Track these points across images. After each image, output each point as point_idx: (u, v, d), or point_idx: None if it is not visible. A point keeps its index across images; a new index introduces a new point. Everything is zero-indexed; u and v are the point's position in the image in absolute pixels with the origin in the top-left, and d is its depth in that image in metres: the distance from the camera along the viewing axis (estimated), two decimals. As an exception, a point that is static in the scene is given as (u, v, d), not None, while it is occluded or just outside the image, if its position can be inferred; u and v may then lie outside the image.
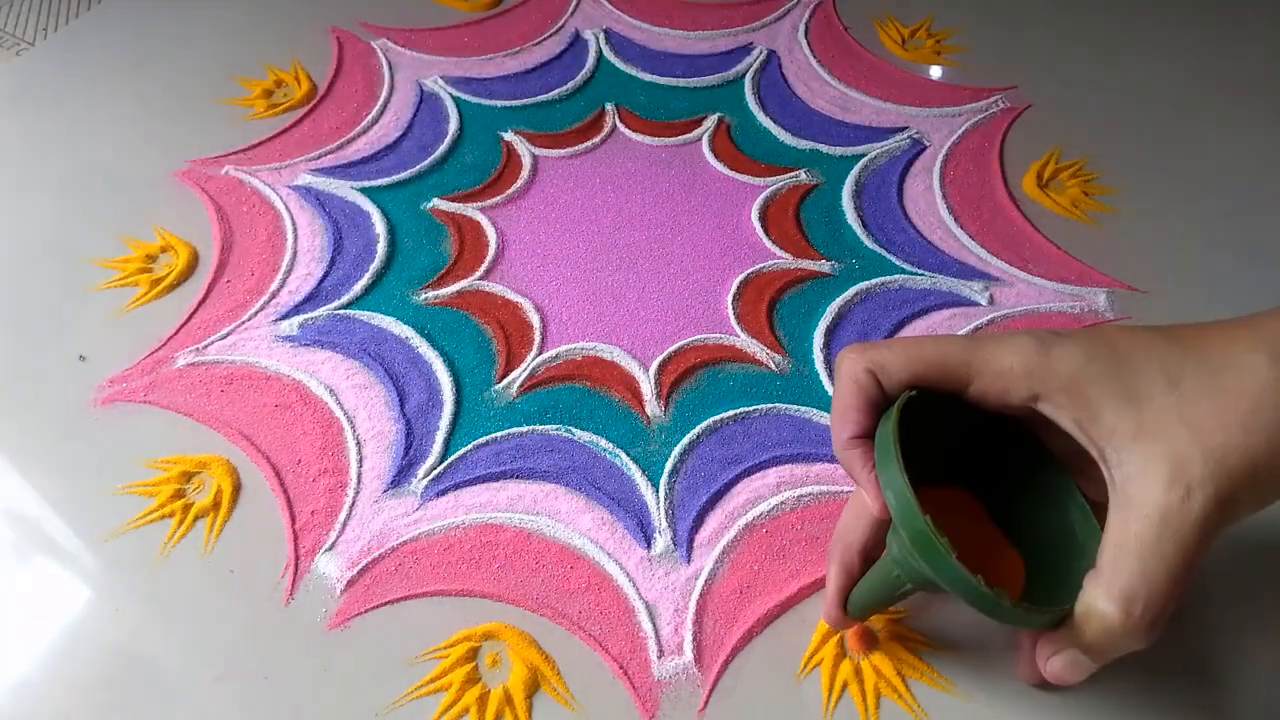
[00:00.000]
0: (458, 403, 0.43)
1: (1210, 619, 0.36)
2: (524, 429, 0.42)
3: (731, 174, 0.53)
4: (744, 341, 0.45)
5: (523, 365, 0.44)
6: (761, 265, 0.48)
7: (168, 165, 0.52)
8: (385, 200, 0.51)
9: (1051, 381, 0.27)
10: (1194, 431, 0.25)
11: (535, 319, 0.46)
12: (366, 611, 0.36)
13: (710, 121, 0.55)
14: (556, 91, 0.57)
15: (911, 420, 0.28)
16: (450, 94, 0.57)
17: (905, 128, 0.55)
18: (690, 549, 0.38)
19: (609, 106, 0.56)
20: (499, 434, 0.42)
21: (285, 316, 0.46)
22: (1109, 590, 0.26)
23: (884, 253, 0.49)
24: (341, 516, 0.39)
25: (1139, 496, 0.26)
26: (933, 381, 0.29)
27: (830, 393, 0.43)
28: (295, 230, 0.49)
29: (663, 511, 0.39)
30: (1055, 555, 0.30)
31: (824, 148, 0.54)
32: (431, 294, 0.47)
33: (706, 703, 0.34)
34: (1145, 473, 0.26)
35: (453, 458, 0.41)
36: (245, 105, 0.56)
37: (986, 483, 0.32)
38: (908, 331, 0.45)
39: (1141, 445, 0.26)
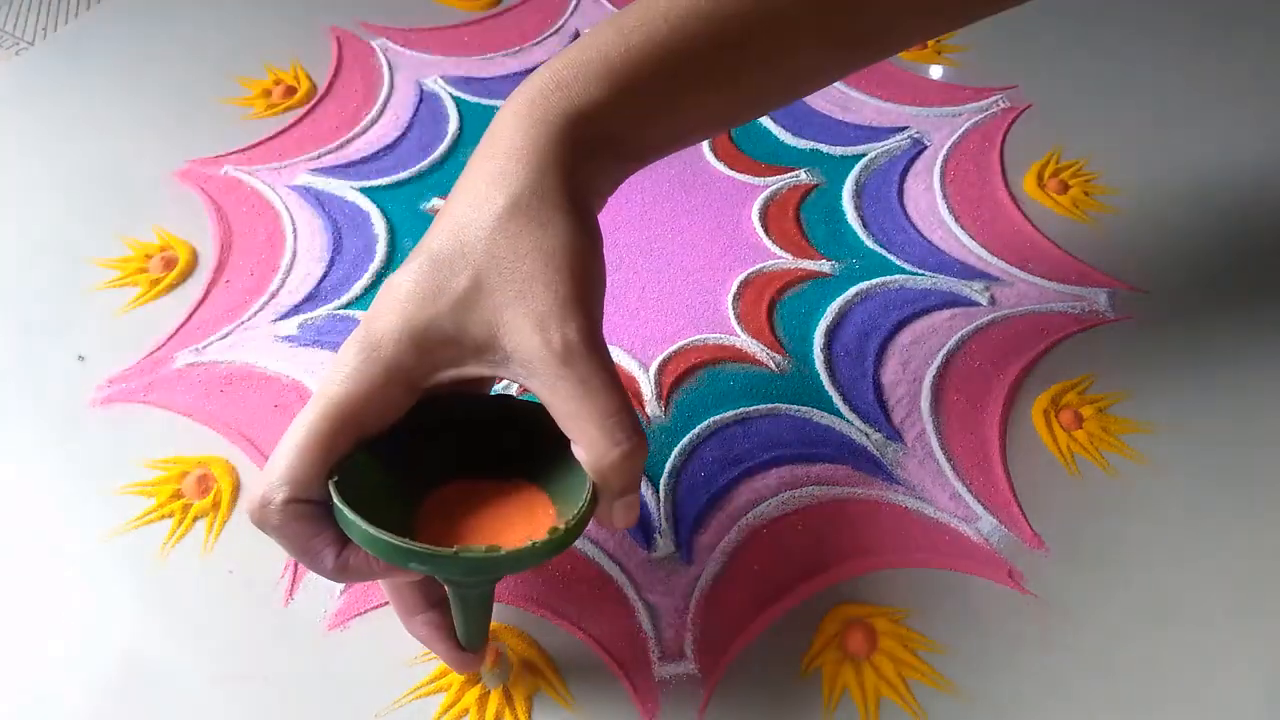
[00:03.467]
0: (458, 403, 0.43)
1: (1211, 619, 0.36)
2: (524, 429, 0.42)
3: (731, 174, 0.53)
4: (744, 341, 0.45)
5: (523, 365, 0.44)
6: (761, 265, 0.48)
7: (168, 165, 0.52)
8: (385, 200, 0.51)
9: (406, 362, 0.27)
10: (521, 296, 0.27)
11: (535, 319, 0.46)
12: (366, 611, 0.36)
13: (710, 121, 0.55)
14: (556, 91, 0.57)
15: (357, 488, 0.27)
16: (450, 94, 0.57)
17: (905, 128, 0.55)
18: (691, 550, 0.38)
19: (609, 106, 0.56)
20: (499, 434, 0.42)
21: (285, 316, 0.46)
22: (595, 447, 0.26)
23: (884, 253, 0.49)
24: (341, 517, 0.39)
25: (537, 367, 0.27)
26: (337, 454, 0.27)
27: (830, 393, 0.43)
28: (295, 230, 0.49)
29: (663, 512, 0.39)
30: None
31: (824, 147, 0.54)
32: (431, 294, 0.47)
33: (707, 704, 0.34)
34: (524, 350, 0.27)
35: (453, 458, 0.41)
36: (245, 105, 0.56)
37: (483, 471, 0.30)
38: (908, 332, 0.45)
39: (503, 336, 0.27)
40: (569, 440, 0.28)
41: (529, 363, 0.27)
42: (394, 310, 0.28)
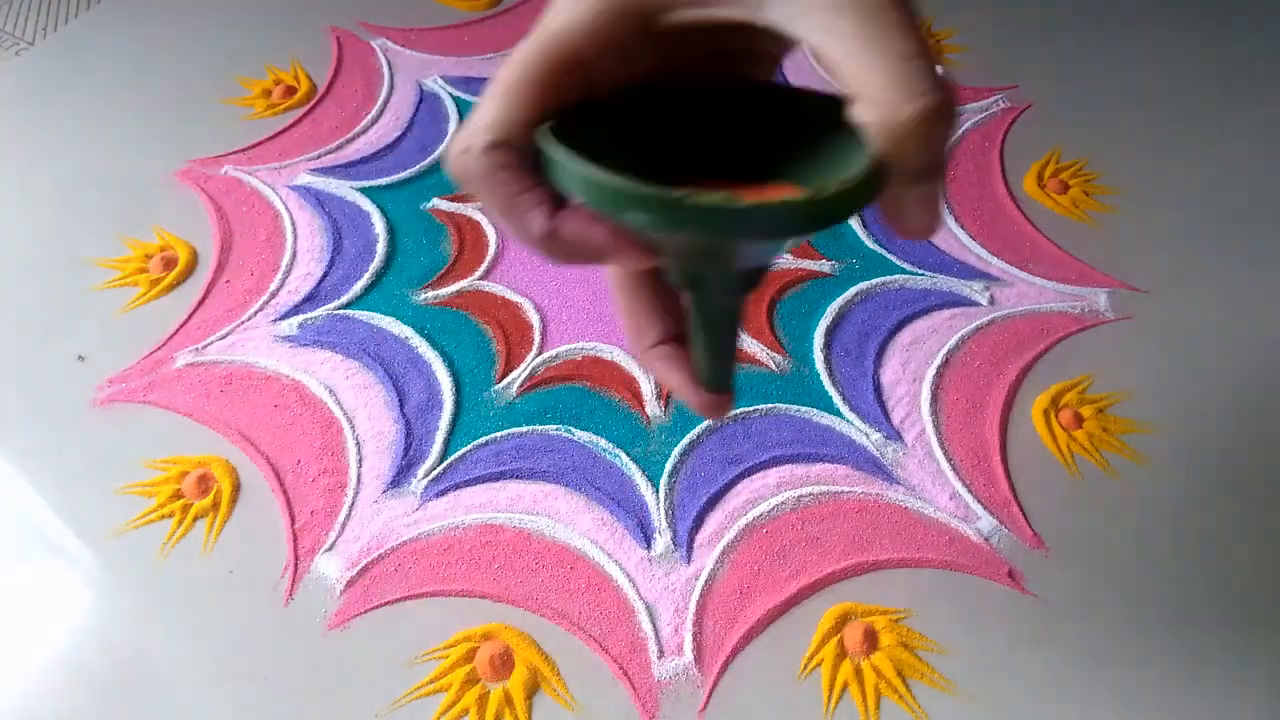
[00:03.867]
0: (457, 403, 0.43)
1: (1211, 619, 0.36)
2: (524, 429, 0.42)
3: (731, 174, 0.53)
4: (744, 341, 0.45)
5: (522, 365, 0.44)
6: (761, 265, 0.48)
7: (168, 165, 0.52)
8: (385, 200, 0.51)
9: None
10: None
11: (535, 319, 0.46)
12: (366, 612, 0.36)
13: (710, 121, 0.55)
14: (556, 91, 0.57)
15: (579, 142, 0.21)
16: (450, 93, 0.57)
17: (905, 128, 0.55)
18: (690, 549, 0.38)
19: (609, 106, 0.56)
20: (499, 434, 0.42)
21: (285, 316, 0.46)
22: (888, 94, 0.20)
23: (884, 253, 0.49)
24: (341, 517, 0.39)
25: (813, 3, 0.21)
26: (552, 101, 0.22)
27: (830, 392, 0.43)
28: (295, 230, 0.49)
29: (663, 512, 0.39)
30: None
31: (824, 148, 0.54)
32: (431, 294, 0.47)
33: (707, 703, 0.34)
34: None
35: (452, 458, 0.41)
36: (245, 105, 0.56)
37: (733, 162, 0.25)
38: (908, 332, 0.45)
39: None
40: (844, 116, 0.21)
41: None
42: None
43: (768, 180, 0.24)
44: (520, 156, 0.22)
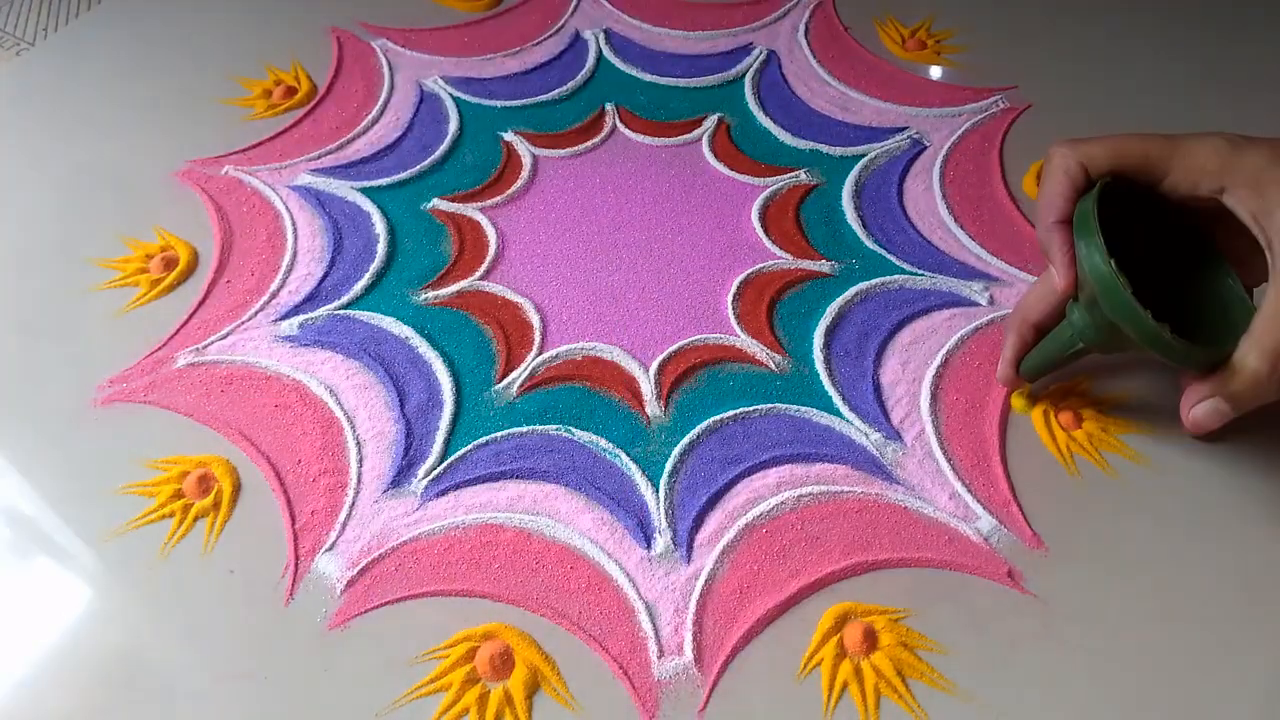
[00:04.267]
0: (458, 403, 0.43)
1: (1211, 619, 0.36)
2: (524, 429, 0.42)
3: (731, 174, 0.53)
4: (744, 341, 0.45)
5: (523, 365, 0.44)
6: (761, 265, 0.48)
7: (168, 165, 0.52)
8: (385, 200, 0.51)
9: (1238, 177, 0.32)
10: None
11: (535, 319, 0.46)
12: (366, 612, 0.36)
13: (710, 122, 0.55)
14: (556, 92, 0.57)
15: (1101, 206, 0.33)
16: (450, 94, 0.57)
17: (905, 128, 0.55)
18: (690, 549, 0.38)
19: (609, 107, 0.56)
20: (499, 434, 0.42)
21: (285, 316, 0.46)
22: (1259, 347, 0.31)
23: (884, 253, 0.49)
24: (341, 516, 0.39)
25: None
26: (1131, 173, 0.34)
27: (830, 392, 0.43)
28: (295, 230, 0.49)
29: (663, 511, 0.39)
30: (1208, 332, 0.35)
31: (824, 148, 0.54)
32: (431, 294, 0.47)
33: (706, 703, 0.34)
34: None
35: (453, 458, 0.41)
36: (245, 105, 0.56)
37: (1157, 274, 0.36)
38: (907, 332, 0.45)
39: None
40: (1235, 322, 0.34)
41: None
42: (1269, 154, 0.32)
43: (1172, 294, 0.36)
44: (1082, 179, 0.35)
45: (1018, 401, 0.42)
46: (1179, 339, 0.32)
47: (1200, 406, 0.34)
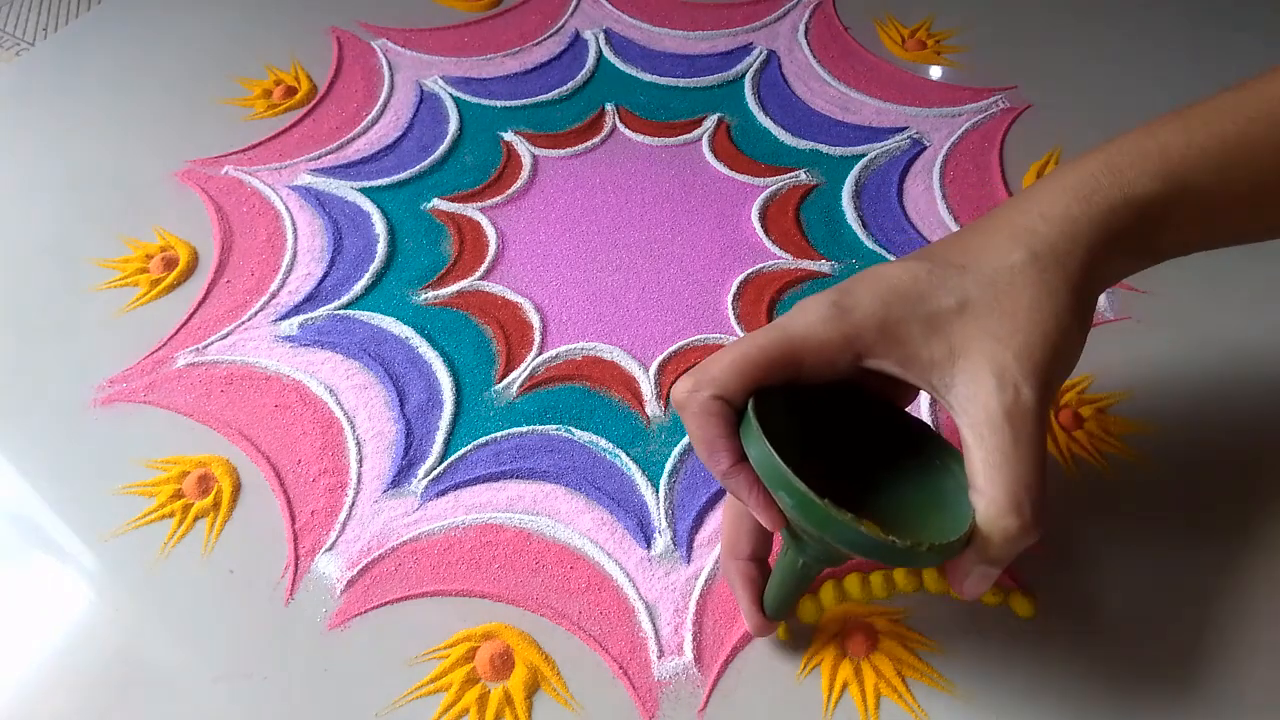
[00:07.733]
0: (458, 403, 0.43)
1: (1210, 619, 0.36)
2: (524, 429, 0.42)
3: (731, 174, 0.53)
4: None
5: (523, 365, 0.44)
6: (761, 265, 0.48)
7: (168, 165, 0.52)
8: (385, 200, 0.51)
9: (865, 337, 0.29)
10: (997, 340, 0.28)
11: (535, 319, 0.46)
12: (366, 612, 0.36)
13: (710, 122, 0.55)
14: (556, 91, 0.57)
15: (766, 420, 0.29)
16: (450, 94, 0.57)
17: (905, 128, 0.55)
18: (690, 549, 0.38)
19: (609, 106, 0.56)
20: (499, 434, 0.42)
21: (285, 317, 0.46)
22: (998, 504, 0.27)
23: (884, 253, 0.49)
24: (341, 516, 0.39)
25: (980, 410, 0.27)
26: (767, 380, 0.29)
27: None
28: (295, 230, 0.49)
29: (663, 511, 0.39)
30: (910, 493, 0.31)
31: (824, 148, 0.54)
32: (431, 294, 0.47)
33: (706, 703, 0.34)
34: (975, 387, 0.28)
35: (453, 458, 0.41)
36: (245, 105, 0.56)
37: (848, 458, 0.31)
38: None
39: (960, 365, 0.28)
40: (949, 464, 0.30)
41: (973, 400, 0.28)
42: (877, 295, 0.29)
43: (878, 481, 0.31)
44: (727, 414, 0.29)
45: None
46: (904, 539, 0.26)
47: (969, 581, 0.29)
